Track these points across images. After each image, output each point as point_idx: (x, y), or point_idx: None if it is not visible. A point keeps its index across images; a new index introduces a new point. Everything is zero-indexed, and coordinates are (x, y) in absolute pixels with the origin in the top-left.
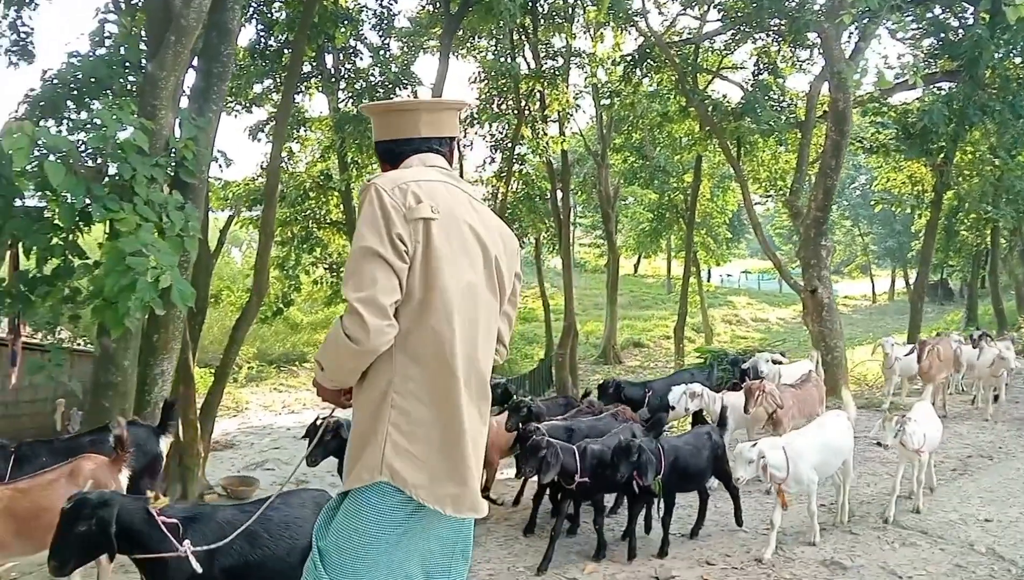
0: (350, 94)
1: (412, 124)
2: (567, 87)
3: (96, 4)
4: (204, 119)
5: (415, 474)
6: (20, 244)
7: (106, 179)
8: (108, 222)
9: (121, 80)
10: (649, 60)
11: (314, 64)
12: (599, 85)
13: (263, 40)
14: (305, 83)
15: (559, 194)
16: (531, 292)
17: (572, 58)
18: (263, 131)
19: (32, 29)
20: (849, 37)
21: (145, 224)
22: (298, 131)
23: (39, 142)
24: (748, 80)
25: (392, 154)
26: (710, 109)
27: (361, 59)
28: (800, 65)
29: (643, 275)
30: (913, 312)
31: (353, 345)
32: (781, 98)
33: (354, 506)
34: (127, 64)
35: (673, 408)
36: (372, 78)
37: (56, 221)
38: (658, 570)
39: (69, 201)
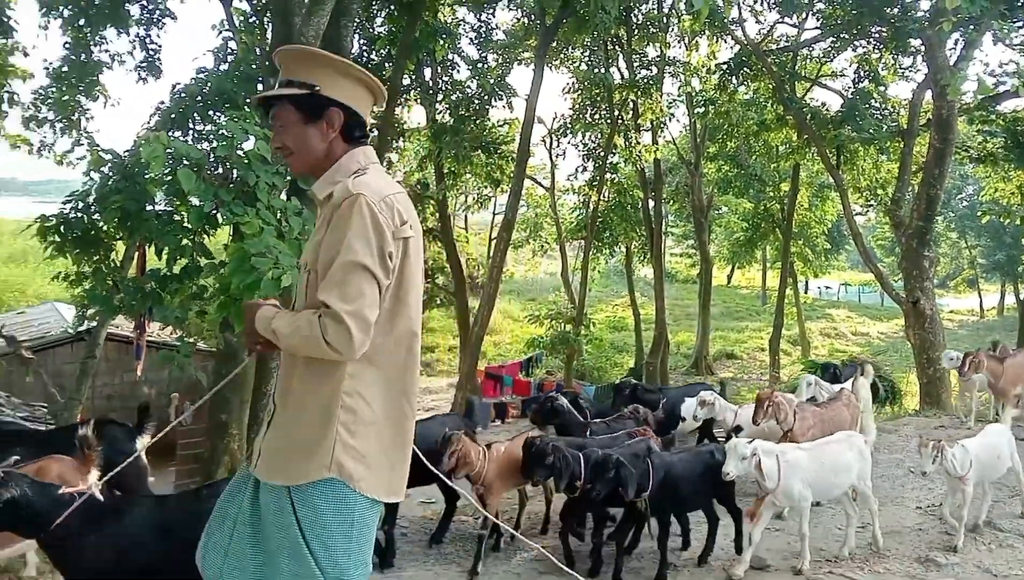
0: (447, 106)
1: (366, 102)
2: (660, 96)
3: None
4: None
5: (363, 471)
6: (151, 245)
7: (231, 185)
8: (232, 225)
9: (243, 93)
10: (745, 68)
11: (413, 77)
12: (693, 94)
13: (365, 54)
14: (404, 95)
15: (651, 203)
16: (621, 301)
17: (666, 67)
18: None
19: (159, 47)
20: (955, 44)
21: (267, 228)
22: (396, 142)
23: (171, 151)
24: (848, 88)
25: (351, 129)
26: (808, 117)
27: (458, 71)
28: (902, 72)
29: (736, 286)
30: (1023, 327)
31: (331, 352)
32: (883, 106)
33: (307, 503)
34: (249, 78)
35: (684, 419)
36: (468, 90)
37: (185, 224)
38: None
39: (198, 205)
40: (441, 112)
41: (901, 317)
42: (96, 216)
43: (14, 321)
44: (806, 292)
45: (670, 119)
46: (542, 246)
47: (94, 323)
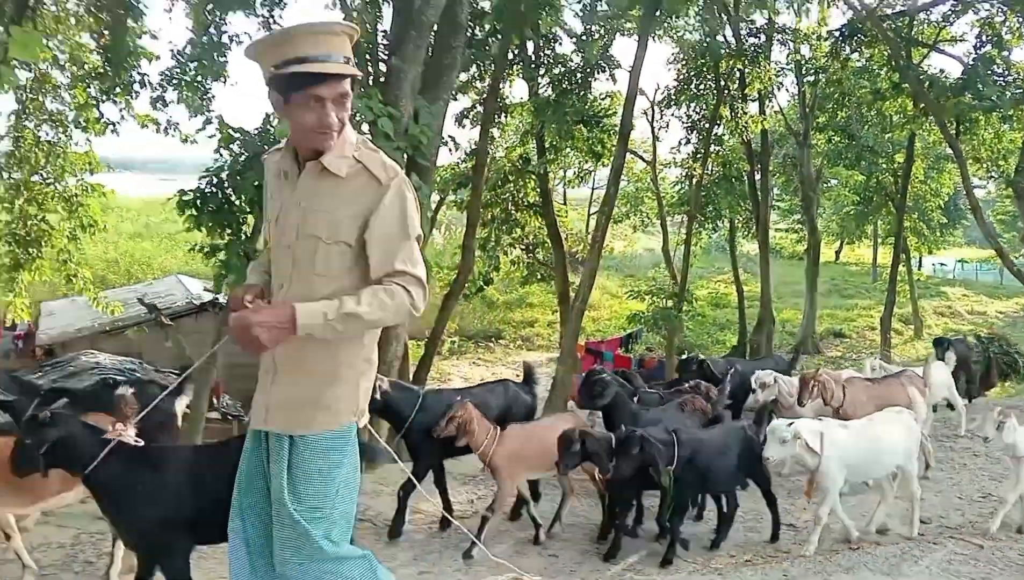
0: (549, 80)
1: None
2: (769, 65)
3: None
4: (436, 107)
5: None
6: None
7: None
8: None
9: (365, 71)
10: (859, 35)
11: (516, 51)
12: (802, 62)
13: (469, 29)
14: (507, 70)
15: (757, 176)
16: (723, 277)
17: (775, 35)
18: (467, 117)
19: (282, 26)
20: None
21: None
22: (499, 117)
23: None
24: (968, 53)
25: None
26: (926, 85)
27: (560, 44)
28: None
29: (845, 262)
30: None
31: (413, 314)
32: (1006, 72)
33: (317, 457)
34: (368, 57)
35: (754, 392)
36: (570, 63)
37: None
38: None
39: None
40: (543, 86)
41: (1022, 295)
42: (230, 191)
43: (141, 293)
44: (919, 269)
45: (778, 88)
46: (643, 221)
47: (222, 294)
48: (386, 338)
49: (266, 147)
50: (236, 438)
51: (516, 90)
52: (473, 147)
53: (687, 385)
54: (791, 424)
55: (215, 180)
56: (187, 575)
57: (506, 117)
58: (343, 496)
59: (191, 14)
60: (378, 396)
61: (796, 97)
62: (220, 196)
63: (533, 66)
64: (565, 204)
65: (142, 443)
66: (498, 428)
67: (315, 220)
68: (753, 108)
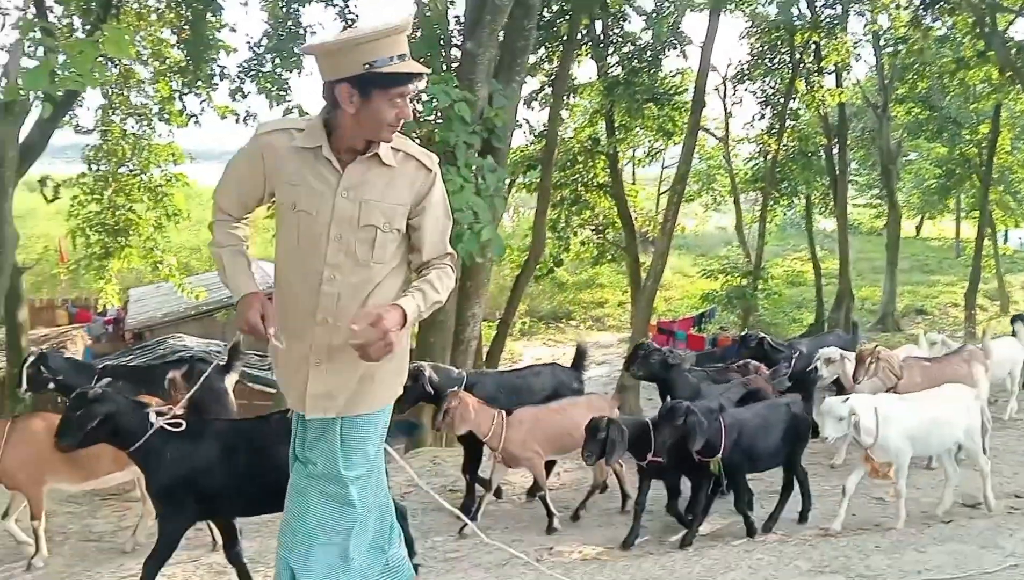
0: (618, 59)
1: None
2: (846, 36)
3: None
4: (510, 89)
5: None
6: None
7: (433, 145)
8: None
9: (439, 57)
10: (941, 2)
11: (584, 31)
12: (881, 32)
13: (539, 11)
14: (576, 50)
15: (834, 150)
16: (798, 255)
17: (851, 5)
18: (536, 99)
19: (357, 16)
20: None
21: (467, 185)
22: (568, 98)
23: None
24: None
25: None
26: (1013, 52)
27: (629, 22)
28: None
29: (926, 237)
30: None
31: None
32: None
33: (369, 429)
34: (442, 42)
35: (818, 369)
36: (640, 41)
37: None
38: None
39: None
40: (612, 65)
41: None
42: None
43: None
44: (1005, 243)
45: (856, 60)
46: (715, 198)
47: None
48: (462, 319)
49: None
50: (277, 413)
51: (583, 70)
52: (542, 129)
53: (734, 364)
54: (846, 400)
55: None
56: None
57: (575, 98)
58: (380, 455)
59: (267, 6)
60: (424, 383)
61: (874, 68)
62: None
63: (601, 45)
64: (634, 184)
65: (182, 425)
66: (503, 413)
67: (373, 210)
68: (829, 81)
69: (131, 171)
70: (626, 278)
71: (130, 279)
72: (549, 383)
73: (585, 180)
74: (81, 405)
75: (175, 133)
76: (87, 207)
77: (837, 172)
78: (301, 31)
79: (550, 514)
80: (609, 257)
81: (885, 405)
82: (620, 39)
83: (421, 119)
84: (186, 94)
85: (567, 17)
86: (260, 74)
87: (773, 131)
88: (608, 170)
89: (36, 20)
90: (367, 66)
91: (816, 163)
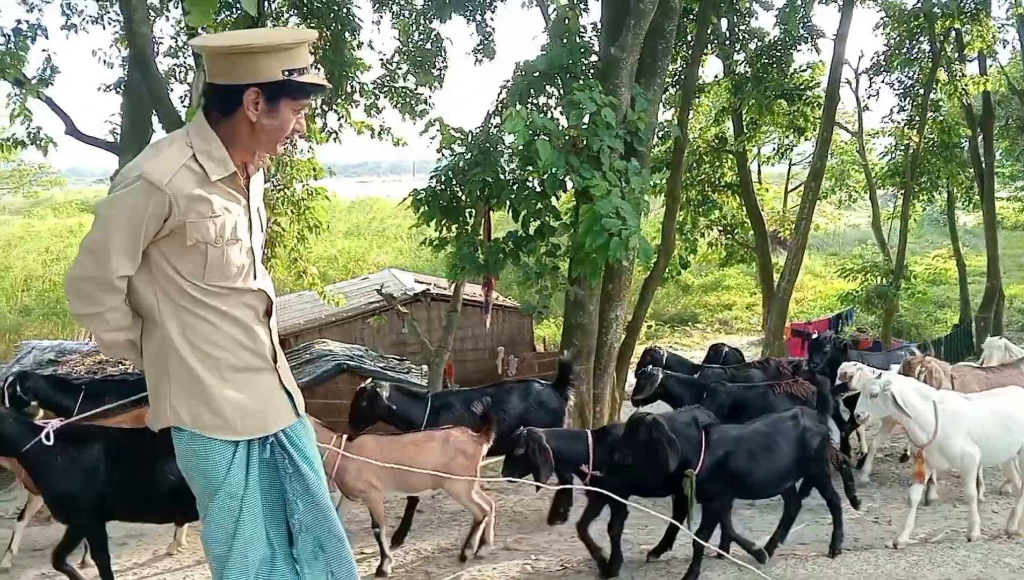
0: (746, 56)
1: None
2: (989, 22)
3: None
4: (651, 92)
5: None
6: (509, 210)
7: (579, 151)
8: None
9: (580, 64)
10: None
11: (710, 29)
12: None
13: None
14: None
15: (979, 142)
16: (938, 253)
17: None
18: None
19: (493, 29)
20: None
21: (613, 189)
22: (696, 98)
23: (528, 123)
24: None
25: None
26: None
27: (756, 18)
28: None
29: None
30: None
31: None
32: None
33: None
34: (584, 50)
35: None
36: (768, 37)
37: (537, 189)
38: None
39: (553, 173)
40: (739, 63)
41: None
42: (457, 188)
43: (360, 286)
44: None
45: (1004, 46)
46: (850, 195)
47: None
48: (605, 322)
49: (488, 145)
50: None
51: (706, 70)
52: (665, 129)
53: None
54: (879, 375)
55: (443, 178)
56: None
57: (699, 97)
58: None
59: (397, 24)
60: (381, 401)
61: (1019, 53)
62: (448, 193)
63: (727, 43)
64: (759, 182)
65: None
66: (342, 438)
67: (261, 220)
68: (972, 69)
69: (276, 186)
70: (754, 280)
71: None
72: (521, 402)
73: (711, 180)
74: None
75: (314, 148)
76: None
77: (984, 164)
78: (433, 47)
79: (383, 555)
80: (739, 258)
81: (949, 402)
82: (747, 35)
83: (569, 125)
84: (327, 112)
85: (692, 17)
86: (393, 89)
87: (913, 123)
88: (735, 169)
89: None
90: (286, 73)
91: (959, 155)
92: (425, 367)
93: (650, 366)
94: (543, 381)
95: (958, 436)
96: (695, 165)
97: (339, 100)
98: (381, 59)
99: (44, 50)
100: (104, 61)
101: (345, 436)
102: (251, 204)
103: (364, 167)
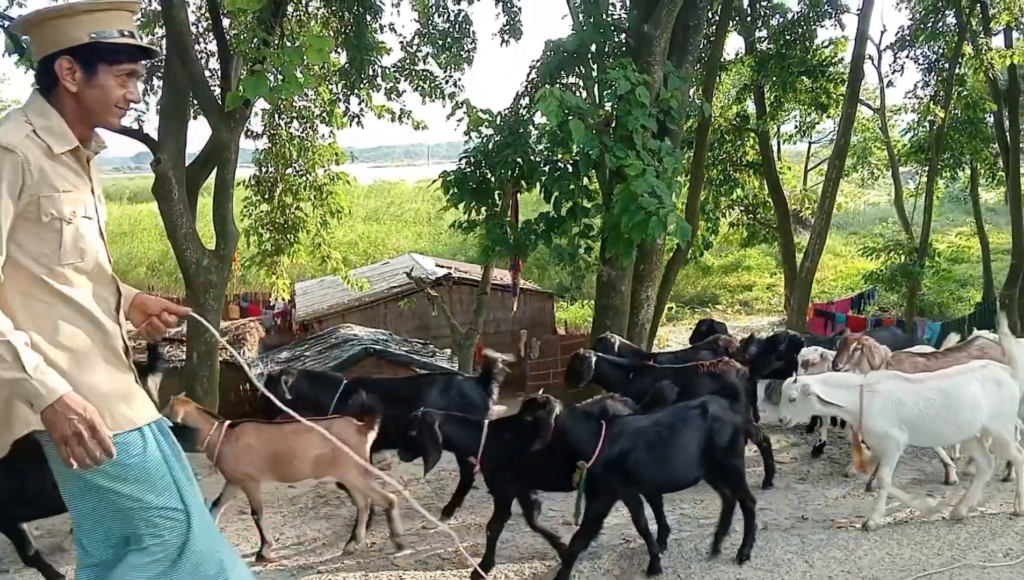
0: (768, 33)
1: None
2: None
3: None
4: (683, 70)
5: None
6: (542, 191)
7: (612, 131)
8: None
9: (610, 43)
10: None
11: (733, 6)
12: None
13: None
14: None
15: (1005, 116)
16: (961, 230)
17: None
18: None
19: (520, 8)
20: None
21: (647, 168)
22: (718, 76)
23: (560, 103)
24: None
25: None
26: None
27: None
28: None
29: None
30: None
31: None
32: None
33: None
34: (616, 28)
35: (798, 372)
36: (791, 13)
37: (569, 170)
38: None
39: (587, 152)
40: (761, 40)
41: None
42: (486, 170)
43: (381, 270)
44: None
45: None
46: (872, 173)
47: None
48: (636, 302)
49: (518, 127)
50: None
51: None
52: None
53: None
54: (795, 380)
55: (472, 160)
56: None
57: (720, 75)
58: None
59: (417, 5)
60: (287, 389)
61: None
62: (478, 175)
63: (749, 19)
64: (780, 160)
65: None
66: (224, 424)
67: (94, 202)
68: (997, 42)
69: (297, 172)
70: (774, 260)
71: (293, 274)
72: (443, 397)
73: (733, 159)
74: None
75: (335, 133)
76: (259, 207)
77: (1009, 139)
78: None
79: (263, 540)
80: (761, 237)
81: (881, 383)
82: (768, 11)
83: (603, 105)
84: (349, 96)
85: None
86: (414, 72)
87: (938, 98)
88: (758, 148)
89: (254, 32)
90: (93, 36)
91: (984, 130)
92: (449, 351)
93: (582, 350)
94: (464, 375)
95: (882, 418)
96: (716, 144)
97: (362, 84)
98: (401, 42)
99: None
100: None
101: (227, 423)
102: (94, 188)
103: (379, 152)
